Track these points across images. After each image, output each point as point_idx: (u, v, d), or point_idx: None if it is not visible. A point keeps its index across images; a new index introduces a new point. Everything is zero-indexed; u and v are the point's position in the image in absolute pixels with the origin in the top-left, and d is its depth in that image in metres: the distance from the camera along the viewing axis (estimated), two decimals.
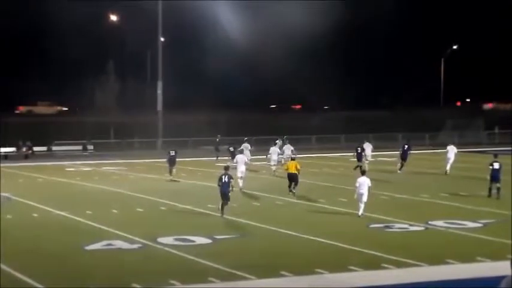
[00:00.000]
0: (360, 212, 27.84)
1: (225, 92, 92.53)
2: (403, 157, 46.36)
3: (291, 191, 34.43)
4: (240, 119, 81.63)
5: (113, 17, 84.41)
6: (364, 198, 27.79)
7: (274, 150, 46.29)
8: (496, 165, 33.42)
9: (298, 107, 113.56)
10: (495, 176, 33.15)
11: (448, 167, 43.98)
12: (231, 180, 28.96)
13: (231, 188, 28.75)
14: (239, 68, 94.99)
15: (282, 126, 73.08)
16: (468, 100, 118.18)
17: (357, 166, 43.72)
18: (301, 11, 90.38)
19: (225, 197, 28.58)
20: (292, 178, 34.66)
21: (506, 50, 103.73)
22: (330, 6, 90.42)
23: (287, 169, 35.32)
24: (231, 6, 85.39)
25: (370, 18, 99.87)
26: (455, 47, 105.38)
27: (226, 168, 29.92)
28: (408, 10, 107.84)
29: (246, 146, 49.21)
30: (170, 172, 42.65)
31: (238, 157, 38.59)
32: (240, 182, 36.29)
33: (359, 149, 46.13)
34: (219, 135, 61.61)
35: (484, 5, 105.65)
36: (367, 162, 46.97)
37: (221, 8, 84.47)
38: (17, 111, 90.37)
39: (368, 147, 48.82)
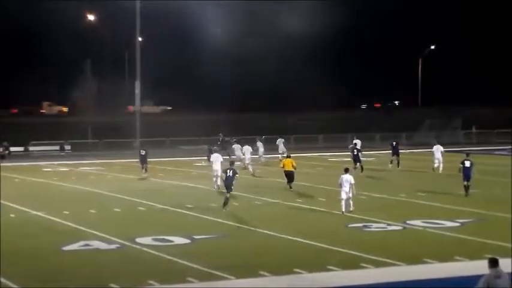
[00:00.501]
0: (350, 208, 28.36)
1: (204, 92, 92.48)
2: (396, 153, 47.75)
3: (290, 187, 35.68)
4: (220, 119, 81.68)
5: (90, 17, 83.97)
6: (346, 196, 28.27)
7: (247, 149, 46.44)
8: (467, 163, 33.88)
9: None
10: (467, 173, 33.65)
11: (436, 165, 44.58)
12: (236, 175, 30.28)
13: (234, 181, 30.08)
14: (219, 68, 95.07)
15: (262, 127, 73.37)
16: (446, 100, 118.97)
17: (356, 167, 43.60)
18: (275, 12, 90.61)
19: (227, 188, 29.91)
20: (289, 175, 35.86)
21: (484, 51, 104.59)
22: (309, 9, 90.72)
23: (283, 166, 36.43)
24: (209, 4, 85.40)
25: (348, 21, 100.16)
26: (433, 47, 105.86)
27: (232, 163, 31.80)
28: (387, 11, 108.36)
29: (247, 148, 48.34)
30: (144, 170, 43.36)
31: (214, 156, 38.57)
32: (218, 181, 36.20)
33: (355, 150, 45.85)
34: (221, 134, 61.93)
35: (463, 6, 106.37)
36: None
37: (199, 6, 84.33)
38: None
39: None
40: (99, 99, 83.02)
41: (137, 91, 72.07)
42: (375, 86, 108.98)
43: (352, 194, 28.57)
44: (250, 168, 45.16)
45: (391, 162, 47.68)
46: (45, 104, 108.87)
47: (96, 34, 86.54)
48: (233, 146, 49.90)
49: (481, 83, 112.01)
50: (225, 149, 58.75)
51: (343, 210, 28.25)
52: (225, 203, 29.71)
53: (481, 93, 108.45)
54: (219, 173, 35.96)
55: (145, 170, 43.58)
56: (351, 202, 28.62)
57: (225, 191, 30.44)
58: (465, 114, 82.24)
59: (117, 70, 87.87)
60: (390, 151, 48.92)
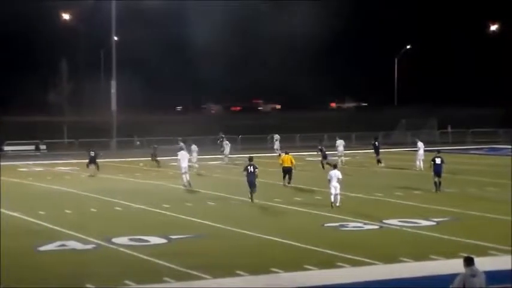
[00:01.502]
0: (337, 203, 29.68)
1: (176, 92, 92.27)
2: (377, 152, 49.75)
3: (285, 184, 36.94)
4: (193, 118, 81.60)
5: (66, 16, 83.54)
6: (337, 191, 29.84)
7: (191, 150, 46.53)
8: (438, 160, 35.30)
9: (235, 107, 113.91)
10: (437, 170, 34.99)
11: (419, 164, 45.20)
12: (256, 169, 32.09)
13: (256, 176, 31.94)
14: (195, 67, 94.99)
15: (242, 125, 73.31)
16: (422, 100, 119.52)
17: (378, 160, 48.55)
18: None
19: (251, 185, 31.73)
20: (287, 171, 37.20)
21: (461, 51, 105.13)
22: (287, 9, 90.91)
23: (282, 163, 37.69)
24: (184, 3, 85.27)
25: (326, 19, 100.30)
26: (408, 46, 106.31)
27: (251, 159, 33.13)
28: (363, 10, 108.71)
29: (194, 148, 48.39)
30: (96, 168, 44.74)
31: (181, 153, 38.85)
32: (184, 178, 37.20)
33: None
34: (221, 133, 62.01)
35: (438, 5, 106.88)
36: (341, 157, 49.28)
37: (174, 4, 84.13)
38: None
39: (341, 144, 50.57)
40: (74, 99, 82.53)
41: (113, 91, 71.84)
42: (350, 86, 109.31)
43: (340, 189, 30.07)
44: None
45: (379, 161, 49.01)
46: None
47: (72, 34, 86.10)
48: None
49: (457, 83, 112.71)
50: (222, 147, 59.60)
51: (332, 201, 29.66)
52: (252, 198, 31.62)
53: (457, 94, 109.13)
54: (187, 169, 37.57)
55: (93, 170, 44.63)
56: (339, 197, 29.83)
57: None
58: (441, 114, 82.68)
59: (93, 70, 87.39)
60: (372, 150, 50.45)
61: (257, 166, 32.69)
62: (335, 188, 29.83)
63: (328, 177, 30.32)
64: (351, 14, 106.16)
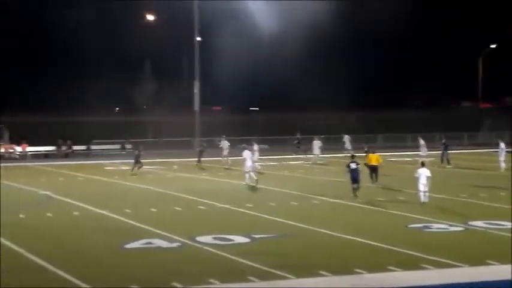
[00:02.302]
0: (426, 200, 30.55)
1: (258, 93, 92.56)
2: (446, 152, 50.85)
3: (376, 180, 38.04)
4: (270, 119, 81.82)
5: (150, 17, 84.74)
6: (426, 188, 30.74)
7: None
8: None
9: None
10: None
11: (502, 165, 45.02)
12: (359, 166, 33.77)
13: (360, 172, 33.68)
14: (272, 68, 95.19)
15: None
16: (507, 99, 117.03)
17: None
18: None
19: (355, 181, 33.19)
20: (374, 170, 38.32)
21: None
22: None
23: (369, 161, 38.83)
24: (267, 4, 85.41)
25: (407, 17, 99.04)
26: (493, 46, 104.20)
27: (353, 156, 34.88)
28: (446, 9, 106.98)
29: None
30: (133, 169, 46.49)
31: (245, 153, 39.81)
32: (247, 176, 38.55)
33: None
34: (298, 133, 62.55)
35: None
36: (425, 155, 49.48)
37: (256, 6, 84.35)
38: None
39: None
40: (159, 98, 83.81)
41: (196, 91, 72.66)
42: (434, 86, 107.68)
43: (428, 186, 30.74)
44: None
45: (448, 162, 49.47)
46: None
47: (156, 34, 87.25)
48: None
49: None
50: (299, 147, 60.31)
51: (421, 200, 30.52)
52: (355, 195, 32.90)
53: None
54: (251, 168, 38.74)
55: (138, 168, 46.66)
56: (427, 194, 30.66)
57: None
58: None
59: (177, 69, 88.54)
60: (442, 151, 51.07)
61: (359, 163, 34.29)
62: (424, 185, 30.60)
63: (416, 175, 31.07)
64: (436, 12, 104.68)
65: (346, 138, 61.77)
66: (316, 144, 55.27)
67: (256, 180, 38.25)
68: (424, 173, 30.94)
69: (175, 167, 49.61)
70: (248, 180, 38.59)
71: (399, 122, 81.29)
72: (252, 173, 38.73)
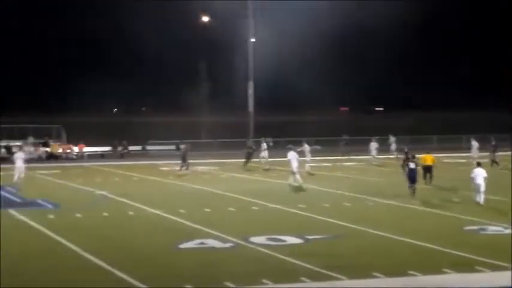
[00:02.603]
0: (481, 201, 30.70)
1: (313, 93, 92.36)
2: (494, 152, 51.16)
3: (426, 183, 37.80)
4: (330, 120, 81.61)
5: (204, 18, 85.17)
6: (482, 189, 30.83)
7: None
8: None
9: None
10: None
11: None
12: (417, 167, 34.82)
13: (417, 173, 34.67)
14: (326, 68, 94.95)
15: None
16: None
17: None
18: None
19: (413, 181, 34.04)
20: (428, 170, 38.55)
21: None
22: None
23: (424, 161, 38.93)
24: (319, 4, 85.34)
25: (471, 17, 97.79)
26: None
27: (413, 156, 35.94)
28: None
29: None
30: (181, 168, 46.87)
31: (290, 154, 39.52)
32: (292, 178, 38.40)
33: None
34: (345, 135, 62.54)
35: None
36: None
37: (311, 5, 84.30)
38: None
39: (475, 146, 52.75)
40: (212, 99, 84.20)
41: (250, 91, 72.86)
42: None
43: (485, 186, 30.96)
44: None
45: (494, 162, 49.71)
46: None
47: (210, 35, 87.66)
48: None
49: None
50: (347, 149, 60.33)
51: (477, 200, 30.81)
52: (412, 195, 33.55)
53: None
54: (297, 170, 38.47)
55: (185, 168, 46.66)
56: (483, 196, 30.78)
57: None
58: None
59: (231, 70, 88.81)
60: (491, 152, 51.18)
61: (418, 163, 35.20)
62: (480, 186, 30.73)
63: (472, 175, 31.28)
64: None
65: (392, 140, 61.38)
66: (373, 145, 55.25)
67: (298, 181, 38.24)
68: (480, 174, 31.02)
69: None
70: (292, 181, 38.50)
71: (455, 123, 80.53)
72: (297, 175, 38.63)
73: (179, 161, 48.26)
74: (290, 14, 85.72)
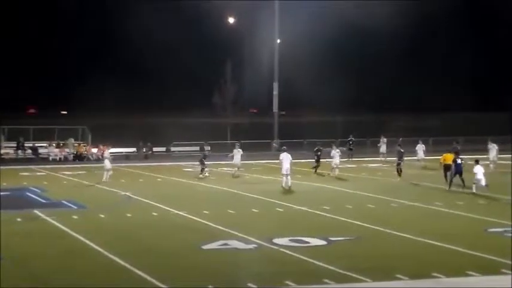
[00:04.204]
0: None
1: (339, 93, 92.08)
2: None
3: (446, 181, 39.10)
4: (356, 120, 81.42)
5: (231, 19, 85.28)
6: (483, 182, 34.69)
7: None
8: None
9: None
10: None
11: None
12: (463, 161, 37.92)
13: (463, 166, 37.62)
14: (354, 68, 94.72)
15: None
16: None
17: None
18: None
19: (460, 174, 37.31)
20: (449, 168, 39.28)
21: None
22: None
23: (444, 160, 40.22)
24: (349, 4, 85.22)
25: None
26: None
27: (457, 152, 39.16)
28: None
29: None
30: (201, 171, 46.21)
31: (283, 155, 39.72)
32: (284, 179, 38.64)
33: None
34: (351, 136, 62.29)
35: None
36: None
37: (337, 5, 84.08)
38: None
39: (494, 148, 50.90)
40: (237, 100, 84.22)
41: (275, 92, 72.87)
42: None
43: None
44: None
45: None
46: None
47: (236, 36, 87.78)
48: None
49: None
50: (351, 150, 60.08)
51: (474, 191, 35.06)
52: (464, 185, 36.84)
53: None
54: (288, 171, 38.63)
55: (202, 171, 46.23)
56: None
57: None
58: None
59: (256, 72, 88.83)
60: None
61: (463, 158, 38.40)
62: (480, 180, 34.61)
63: (474, 171, 35.23)
64: None
65: (383, 141, 60.84)
66: (420, 147, 54.95)
67: (290, 186, 38.38)
68: (480, 170, 35.34)
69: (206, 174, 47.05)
70: (284, 184, 38.63)
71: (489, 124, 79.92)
72: (288, 178, 38.74)
73: (199, 166, 47.51)
74: (315, 15, 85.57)
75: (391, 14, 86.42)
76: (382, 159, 57.47)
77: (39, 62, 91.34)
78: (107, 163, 43.83)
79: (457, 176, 37.67)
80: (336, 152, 46.41)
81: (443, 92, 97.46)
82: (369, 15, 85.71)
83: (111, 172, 43.67)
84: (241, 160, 47.85)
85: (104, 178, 43.02)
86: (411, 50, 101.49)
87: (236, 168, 46.83)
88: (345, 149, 59.69)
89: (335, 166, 45.85)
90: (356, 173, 48.75)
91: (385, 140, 59.75)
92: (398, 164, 43.81)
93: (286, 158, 39.28)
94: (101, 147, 64.03)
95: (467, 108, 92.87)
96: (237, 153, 47.61)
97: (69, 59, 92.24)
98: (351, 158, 60.38)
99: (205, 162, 46.99)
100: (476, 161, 36.60)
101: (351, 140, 63.37)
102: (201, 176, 45.41)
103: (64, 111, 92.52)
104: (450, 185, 37.53)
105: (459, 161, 37.87)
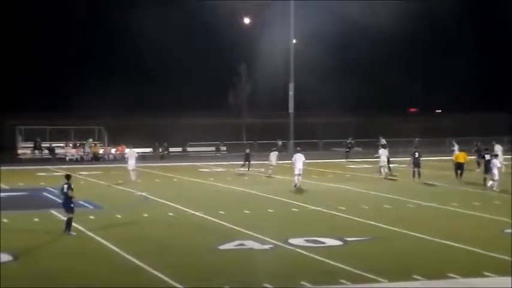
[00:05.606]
0: (495, 188, 35.91)
1: (353, 94, 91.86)
2: None
3: (457, 178, 40.83)
4: (368, 122, 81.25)
5: (246, 20, 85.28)
6: (496, 177, 36.06)
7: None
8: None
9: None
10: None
11: None
12: (493, 157, 38.15)
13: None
14: (368, 69, 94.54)
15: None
16: None
17: None
18: None
19: (490, 171, 37.34)
20: (460, 167, 41.19)
21: None
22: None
23: (456, 159, 41.83)
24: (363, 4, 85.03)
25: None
26: None
27: (486, 149, 41.26)
28: None
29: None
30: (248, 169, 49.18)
31: (297, 155, 40.09)
32: (296, 179, 38.92)
33: None
34: (350, 138, 62.08)
35: None
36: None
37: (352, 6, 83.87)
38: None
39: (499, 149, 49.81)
40: (253, 101, 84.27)
41: (291, 93, 72.82)
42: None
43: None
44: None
45: None
46: None
47: (251, 36, 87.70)
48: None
49: None
50: (348, 152, 60.30)
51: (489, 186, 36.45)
52: (487, 183, 37.58)
53: None
54: (301, 172, 39.07)
55: (247, 168, 49.39)
56: (496, 184, 36.07)
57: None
58: None
59: (271, 72, 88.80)
60: None
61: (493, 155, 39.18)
62: (494, 175, 35.41)
63: (490, 166, 36.61)
64: None
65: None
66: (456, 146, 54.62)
67: (298, 185, 38.84)
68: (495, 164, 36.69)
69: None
70: (297, 182, 38.95)
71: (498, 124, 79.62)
72: (299, 178, 39.09)
73: (244, 162, 50.57)
74: (331, 15, 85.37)
75: (404, 15, 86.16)
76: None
77: (52, 64, 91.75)
78: (131, 163, 44.13)
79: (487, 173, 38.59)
80: (383, 151, 45.81)
81: (459, 91, 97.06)
82: (379, 16, 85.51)
83: (135, 172, 44.00)
84: (276, 160, 48.12)
85: (133, 178, 43.30)
86: (428, 51, 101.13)
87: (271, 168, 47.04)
88: (359, 149, 59.62)
89: (383, 164, 45.47)
90: (371, 173, 48.63)
91: (383, 141, 59.35)
92: (418, 166, 42.92)
93: (299, 158, 39.41)
94: (119, 147, 64.31)
95: (478, 108, 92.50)
96: (273, 154, 47.98)
97: (87, 58, 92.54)
98: (348, 159, 60.22)
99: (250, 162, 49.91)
100: (495, 156, 38.76)
101: (350, 142, 63.46)
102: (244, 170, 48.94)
103: (82, 111, 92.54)
104: (485, 182, 38.11)
105: (488, 156, 38.69)
